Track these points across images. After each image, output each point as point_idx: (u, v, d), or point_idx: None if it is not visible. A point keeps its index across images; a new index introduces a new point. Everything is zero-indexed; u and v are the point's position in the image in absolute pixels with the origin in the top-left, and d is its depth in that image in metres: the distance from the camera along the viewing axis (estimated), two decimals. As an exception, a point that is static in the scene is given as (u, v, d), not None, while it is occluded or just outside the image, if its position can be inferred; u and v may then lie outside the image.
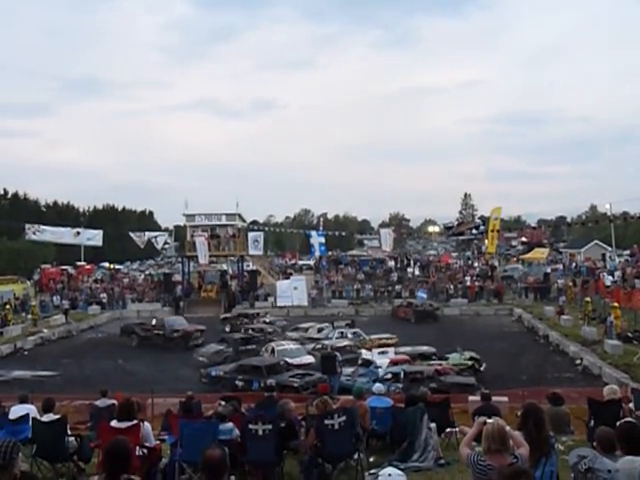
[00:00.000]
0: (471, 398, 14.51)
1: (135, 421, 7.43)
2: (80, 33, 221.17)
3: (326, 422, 8.15)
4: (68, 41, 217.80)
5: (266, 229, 63.56)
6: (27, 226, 51.06)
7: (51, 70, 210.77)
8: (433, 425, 9.36)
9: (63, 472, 8.60)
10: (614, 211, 57.28)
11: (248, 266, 51.77)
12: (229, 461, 4.03)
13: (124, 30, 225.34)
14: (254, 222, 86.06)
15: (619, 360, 21.70)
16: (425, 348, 23.06)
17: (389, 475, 4.59)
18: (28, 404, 10.17)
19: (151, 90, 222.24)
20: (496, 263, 56.32)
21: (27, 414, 9.47)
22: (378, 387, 11.41)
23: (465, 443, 5.12)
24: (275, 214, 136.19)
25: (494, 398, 11.72)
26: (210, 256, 47.39)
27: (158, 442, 8.33)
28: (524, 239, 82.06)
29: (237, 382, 20.20)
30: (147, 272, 67.86)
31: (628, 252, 52.71)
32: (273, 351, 23.76)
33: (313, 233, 51.47)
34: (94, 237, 53.73)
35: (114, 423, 7.47)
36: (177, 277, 51.25)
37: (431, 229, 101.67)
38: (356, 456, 8.16)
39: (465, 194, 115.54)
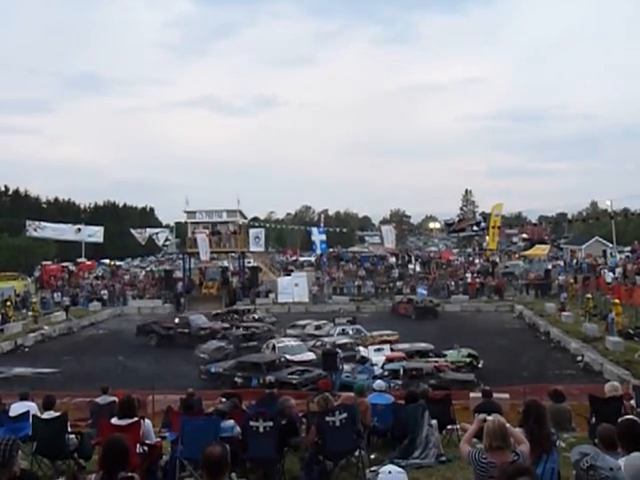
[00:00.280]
0: (472, 395, 14.51)
1: (136, 418, 7.41)
2: (81, 30, 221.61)
3: (327, 419, 8.14)
4: (68, 38, 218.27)
5: (267, 226, 63.55)
6: (28, 223, 51.05)
7: (52, 67, 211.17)
8: (434, 422, 9.35)
9: (63, 470, 8.59)
10: (615, 208, 57.47)
11: (249, 263, 51.80)
12: (230, 458, 4.01)
13: (125, 27, 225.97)
14: (255, 219, 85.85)
15: (620, 357, 21.68)
16: (423, 345, 23.06)
17: (389, 472, 4.57)
18: (28, 401, 10.17)
19: (152, 87, 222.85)
20: (497, 260, 56.30)
21: (27, 411, 9.47)
22: (379, 384, 11.41)
23: (465, 440, 5.11)
24: (276, 211, 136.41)
25: (495, 395, 11.70)
26: (211, 253, 47.34)
27: (159, 439, 8.33)
28: (525, 235, 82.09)
29: (236, 379, 20.25)
30: (148, 269, 67.88)
31: (629, 248, 52.65)
32: (274, 348, 23.77)
33: (314, 230, 51.41)
34: (95, 234, 53.70)
35: (115, 420, 7.45)
36: (178, 274, 51.23)
37: (432, 226, 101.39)
38: (357, 453, 8.14)
39: (466, 190, 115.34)
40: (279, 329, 30.59)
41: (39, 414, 9.27)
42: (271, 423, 8.20)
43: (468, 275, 46.76)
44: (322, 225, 58.19)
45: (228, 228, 48.41)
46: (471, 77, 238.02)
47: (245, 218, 54.06)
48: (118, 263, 72.02)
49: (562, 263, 51.57)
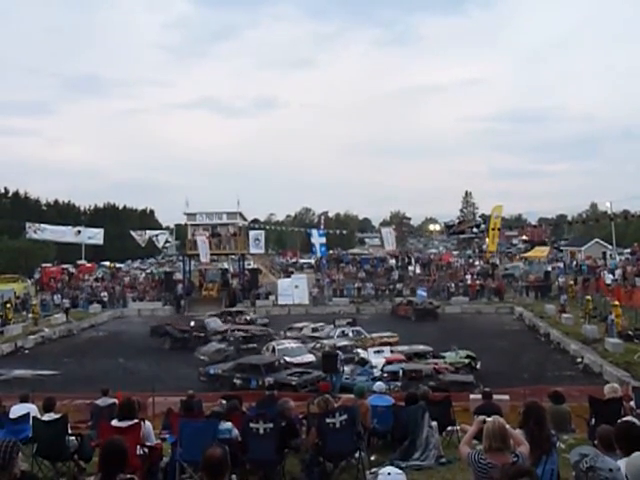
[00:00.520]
0: (472, 396, 14.52)
1: (136, 420, 7.42)
2: (81, 31, 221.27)
3: (327, 421, 8.15)
4: (69, 39, 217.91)
5: (267, 227, 63.53)
6: (28, 225, 51.15)
7: (52, 68, 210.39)
8: (434, 423, 9.35)
9: (64, 471, 8.60)
10: (615, 209, 57.39)
11: (249, 264, 51.81)
12: (230, 460, 4.01)
13: (125, 28, 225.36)
14: (255, 220, 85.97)
15: (620, 358, 21.67)
16: (421, 347, 23.03)
17: (388, 474, 4.56)
18: (29, 403, 10.16)
19: (152, 88, 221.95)
20: (497, 261, 56.34)
21: (28, 413, 9.46)
22: (379, 386, 11.41)
23: (465, 442, 5.12)
24: (276, 212, 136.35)
25: (495, 396, 11.71)
26: (211, 255, 47.38)
27: (159, 441, 8.33)
28: (525, 237, 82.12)
29: (235, 380, 20.26)
30: (148, 271, 67.87)
31: (629, 250, 52.69)
32: (274, 350, 23.76)
33: (314, 232, 51.42)
34: (95, 236, 53.82)
35: (115, 422, 7.46)
36: (178, 276, 51.23)
37: (432, 227, 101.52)
38: (357, 455, 8.14)
39: (466, 192, 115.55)
40: (277, 331, 30.52)
41: (39, 416, 9.27)
42: (271, 425, 8.20)
43: (468, 277, 46.77)
44: (322, 227, 58.17)
45: (228, 230, 48.45)
46: (471, 78, 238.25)
47: (245, 220, 54.09)
48: (118, 265, 72.04)
49: (562, 265, 51.62)
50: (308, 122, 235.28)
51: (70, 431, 8.93)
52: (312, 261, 62.62)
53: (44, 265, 58.46)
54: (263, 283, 48.51)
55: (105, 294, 46.79)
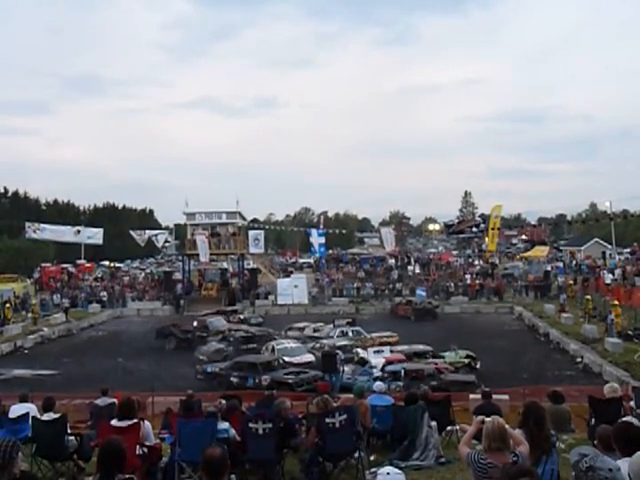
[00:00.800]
0: (472, 396, 14.51)
1: (135, 420, 7.41)
2: (80, 31, 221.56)
3: (327, 420, 8.14)
4: (68, 39, 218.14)
5: (266, 227, 63.57)
6: (27, 224, 51.10)
7: (51, 68, 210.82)
8: (434, 423, 9.35)
9: (63, 471, 8.60)
10: (614, 209, 57.45)
11: (248, 264, 51.80)
12: (229, 460, 4.01)
13: (124, 28, 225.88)
14: (254, 220, 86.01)
15: (619, 358, 21.68)
16: (421, 347, 23.05)
17: (387, 474, 4.56)
18: (28, 403, 10.16)
19: (152, 88, 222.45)
20: (496, 261, 56.35)
21: (27, 413, 9.47)
22: (379, 385, 11.40)
23: (464, 442, 5.11)
24: (275, 212, 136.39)
25: (495, 396, 11.71)
26: (210, 254, 47.38)
27: (158, 441, 8.33)
28: (524, 237, 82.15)
29: (232, 379, 20.35)
30: (147, 270, 67.91)
31: (628, 250, 52.72)
32: (273, 350, 23.76)
33: (313, 232, 51.42)
34: (94, 235, 53.79)
35: (114, 422, 7.45)
36: (177, 275, 51.23)
37: (431, 227, 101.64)
38: (357, 454, 8.14)
39: (465, 192, 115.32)
40: (277, 331, 30.50)
41: (39, 416, 9.27)
42: (270, 425, 8.20)
43: (467, 276, 46.78)
44: (322, 227, 58.19)
45: (227, 230, 48.45)
46: (471, 78, 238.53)
47: (244, 220, 54.10)
48: (117, 265, 72.07)
49: (561, 264, 51.61)
50: (308, 122, 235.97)
51: (69, 431, 8.94)
52: (311, 261, 62.63)
53: (43, 265, 58.43)
54: (262, 283, 48.51)
55: (104, 294, 46.77)
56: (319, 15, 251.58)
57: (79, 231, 53.34)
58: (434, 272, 50.63)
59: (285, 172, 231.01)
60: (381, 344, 24.38)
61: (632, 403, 10.09)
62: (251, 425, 8.24)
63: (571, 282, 40.03)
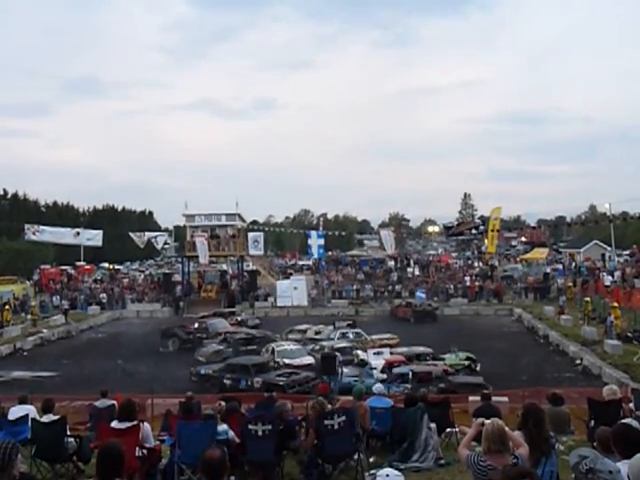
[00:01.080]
0: (471, 398, 14.49)
1: (135, 422, 7.41)
2: (80, 33, 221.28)
3: (326, 422, 8.15)
4: (68, 41, 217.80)
5: (266, 229, 63.53)
6: (27, 226, 51.09)
7: (51, 70, 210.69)
8: (433, 425, 9.36)
9: (62, 473, 8.61)
10: (614, 211, 57.41)
11: (248, 266, 51.77)
12: (229, 462, 4.01)
13: (124, 30, 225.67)
14: (254, 222, 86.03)
15: (619, 360, 21.69)
16: (421, 348, 23.04)
17: (387, 475, 4.58)
18: (27, 405, 10.15)
19: (151, 90, 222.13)
20: (496, 263, 56.35)
21: (26, 415, 9.47)
22: (378, 387, 11.38)
23: (464, 444, 5.11)
24: (275, 214, 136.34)
25: (494, 398, 11.73)
26: (210, 256, 47.39)
27: (158, 443, 8.33)
28: (523, 239, 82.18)
29: (225, 381, 20.43)
30: (147, 272, 67.81)
31: (628, 252, 52.73)
32: (273, 352, 23.76)
33: (312, 234, 51.40)
34: (94, 237, 53.80)
35: (114, 424, 7.45)
36: (177, 277, 51.21)
37: (431, 229, 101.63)
38: (356, 456, 8.15)
39: (465, 194, 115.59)
40: (276, 333, 30.48)
41: (38, 417, 9.27)
42: (270, 426, 8.21)
43: (467, 278, 46.76)
44: (321, 229, 58.23)
45: (227, 232, 48.45)
46: (470, 80, 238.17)
47: (244, 222, 54.11)
48: (117, 267, 72.00)
49: (561, 266, 51.65)
50: (307, 124, 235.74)
51: (69, 432, 8.94)
52: (310, 262, 62.55)
53: (43, 266, 58.41)
54: (262, 285, 48.47)
55: (104, 295, 46.73)
56: (318, 17, 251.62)
57: (78, 233, 53.34)
58: (433, 274, 50.63)
59: (284, 174, 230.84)
60: (381, 346, 24.35)
61: (631, 405, 10.10)
62: (251, 427, 8.24)
63: (570, 284, 40.05)
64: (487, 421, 4.79)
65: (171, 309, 44.10)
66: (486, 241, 46.54)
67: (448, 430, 10.20)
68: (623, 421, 6.02)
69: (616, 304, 27.06)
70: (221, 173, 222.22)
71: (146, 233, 55.67)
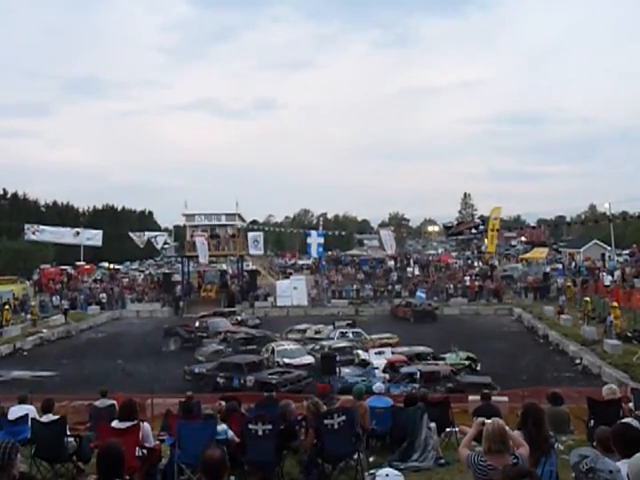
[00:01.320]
0: (471, 398, 14.50)
1: (135, 422, 7.41)
2: (80, 33, 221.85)
3: (326, 422, 8.15)
4: (68, 41, 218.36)
5: (266, 229, 63.55)
6: (26, 226, 51.05)
7: (51, 70, 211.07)
8: (433, 425, 9.35)
9: (62, 473, 8.60)
10: (613, 211, 57.38)
11: (248, 266, 51.76)
12: (229, 461, 4.01)
13: (124, 30, 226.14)
14: (254, 222, 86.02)
15: (619, 360, 21.69)
16: (422, 348, 23.03)
17: (386, 475, 4.58)
18: (27, 404, 10.14)
19: (151, 90, 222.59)
20: (496, 263, 56.34)
21: (26, 414, 9.46)
22: (378, 387, 11.34)
23: (464, 444, 5.11)
24: (275, 214, 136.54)
25: (494, 398, 11.72)
26: (210, 256, 47.38)
27: (158, 443, 8.32)
28: (523, 238, 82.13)
29: (218, 379, 20.55)
30: (147, 272, 67.81)
31: (627, 252, 52.76)
32: (273, 351, 23.76)
33: (312, 233, 51.39)
34: (94, 237, 53.75)
35: (115, 423, 7.45)
36: (177, 277, 51.22)
37: (431, 229, 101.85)
38: (356, 456, 8.15)
39: (465, 194, 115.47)
40: (276, 333, 30.49)
41: (38, 417, 9.26)
42: (270, 426, 8.20)
43: (467, 278, 46.77)
44: (321, 228, 58.17)
45: (227, 231, 48.43)
46: (470, 80, 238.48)
47: (244, 221, 54.08)
48: (117, 266, 72.05)
49: (561, 266, 51.65)
50: (307, 123, 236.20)
51: (69, 432, 8.93)
52: (310, 262, 62.50)
53: (43, 266, 58.44)
54: (262, 284, 48.46)
55: (104, 295, 46.72)
56: (318, 17, 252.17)
57: (78, 233, 53.29)
58: (433, 274, 50.62)
59: (284, 174, 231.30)
60: (381, 345, 24.37)
61: (631, 405, 10.09)
62: (251, 426, 8.23)
63: (570, 284, 40.04)
64: (488, 421, 4.79)
65: (171, 309, 44.10)
66: (486, 241, 46.54)
67: (448, 430, 10.19)
68: (623, 421, 6.02)
69: (616, 304, 27.07)
70: (221, 173, 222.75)
71: (146, 233, 55.60)
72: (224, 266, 57.23)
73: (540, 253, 57.33)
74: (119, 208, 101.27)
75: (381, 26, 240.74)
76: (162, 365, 25.79)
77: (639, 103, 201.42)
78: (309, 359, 23.07)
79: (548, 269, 48.74)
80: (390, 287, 46.78)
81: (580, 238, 69.13)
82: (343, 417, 8.19)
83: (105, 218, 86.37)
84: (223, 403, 10.30)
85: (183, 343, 30.16)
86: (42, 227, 52.16)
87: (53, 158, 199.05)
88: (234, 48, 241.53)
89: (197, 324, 32.10)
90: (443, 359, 21.76)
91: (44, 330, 34.69)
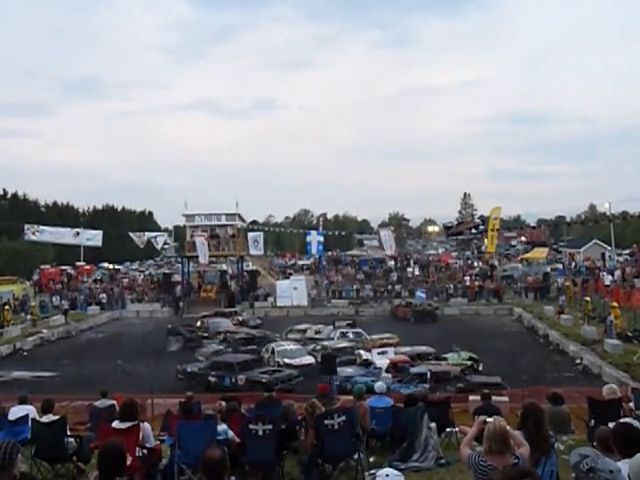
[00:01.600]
0: (471, 398, 14.50)
1: (135, 422, 7.41)
2: (80, 33, 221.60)
3: (326, 422, 8.14)
4: (68, 41, 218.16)
5: (266, 229, 63.57)
6: (26, 226, 51.05)
7: (51, 70, 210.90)
8: (433, 425, 9.35)
9: (63, 473, 8.60)
10: (613, 210, 57.39)
11: (248, 266, 51.76)
12: (229, 461, 4.00)
13: (123, 30, 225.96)
14: (254, 222, 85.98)
15: (619, 359, 21.68)
16: (424, 348, 23.04)
17: (387, 475, 4.57)
18: (27, 405, 10.15)
19: (151, 90, 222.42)
20: (496, 263, 56.33)
21: (27, 415, 9.46)
22: (380, 386, 11.26)
23: (466, 443, 5.10)
24: (275, 214, 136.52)
25: (494, 398, 11.71)
26: (210, 256, 47.37)
27: (158, 443, 8.32)
28: (523, 238, 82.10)
29: (210, 378, 20.72)
30: (147, 272, 67.82)
31: (628, 251, 52.73)
32: (273, 351, 23.77)
33: (312, 233, 51.41)
34: (94, 237, 53.75)
35: (115, 423, 7.45)
36: (177, 277, 51.23)
37: (431, 229, 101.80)
38: (356, 456, 8.15)
39: (465, 194, 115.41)
40: (277, 333, 30.51)
41: (38, 418, 9.26)
42: (270, 426, 8.20)
43: (467, 278, 46.76)
44: (321, 228, 58.20)
45: (227, 231, 48.42)
46: (470, 80, 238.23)
47: (244, 221, 54.08)
48: (117, 267, 72.03)
49: (561, 266, 51.65)
50: (307, 123, 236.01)
51: (69, 433, 8.93)
52: (310, 262, 62.46)
53: (43, 267, 58.43)
54: (262, 285, 48.47)
55: (104, 296, 46.73)
56: (318, 17, 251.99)
57: (78, 233, 53.29)
58: (433, 274, 50.62)
59: (284, 174, 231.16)
60: (381, 346, 24.36)
61: (631, 404, 10.09)
62: (251, 427, 8.23)
63: (568, 284, 40.02)
64: (489, 419, 4.77)
65: (171, 309, 44.11)
66: (486, 241, 46.55)
67: (448, 430, 10.18)
68: (623, 420, 6.02)
69: (616, 303, 27.06)
70: (221, 173, 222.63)
71: (146, 233, 55.59)
72: (224, 266, 57.23)
73: (540, 253, 57.32)
74: (119, 208, 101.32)
75: (381, 26, 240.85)
76: (162, 365, 25.77)
77: (639, 103, 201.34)
78: (309, 359, 23.09)
79: (548, 269, 48.73)
80: (390, 287, 46.78)
81: (580, 238, 69.09)
82: (343, 417, 8.19)
83: (105, 218, 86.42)
84: (223, 403, 10.29)
85: (185, 343, 30.20)
86: (42, 227, 52.15)
87: (53, 158, 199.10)
88: (234, 48, 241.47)
89: (198, 324, 32.13)
90: (445, 359, 21.74)
91: (44, 330, 34.69)
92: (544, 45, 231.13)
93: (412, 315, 37.25)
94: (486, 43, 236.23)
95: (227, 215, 48.43)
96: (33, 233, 50.93)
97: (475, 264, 55.94)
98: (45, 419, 9.01)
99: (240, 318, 35.20)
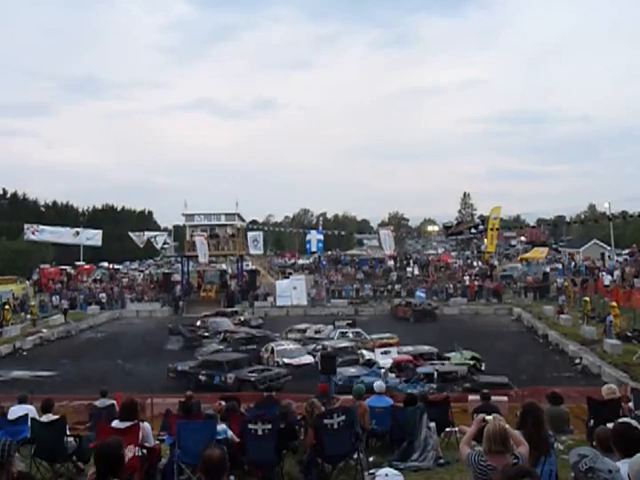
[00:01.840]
0: (471, 397, 14.50)
1: (134, 421, 7.41)
2: (79, 33, 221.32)
3: (325, 422, 8.14)
4: (67, 41, 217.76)
5: (265, 229, 63.62)
6: (26, 226, 51.09)
7: (50, 70, 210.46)
8: (433, 425, 9.35)
9: (62, 472, 8.59)
10: (613, 210, 57.32)
11: (247, 266, 51.78)
12: (229, 461, 4.00)
13: (123, 30, 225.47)
14: (253, 222, 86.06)
15: (618, 359, 21.71)
16: (427, 348, 23.03)
17: (386, 475, 4.57)
18: (27, 404, 10.14)
19: (150, 90, 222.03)
20: (495, 262, 56.36)
21: (26, 414, 9.45)
22: (379, 385, 11.24)
23: (465, 442, 5.09)
24: (274, 214, 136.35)
25: (493, 397, 11.70)
26: (209, 256, 47.37)
27: (157, 442, 8.32)
28: (523, 238, 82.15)
29: (200, 377, 20.91)
30: (146, 272, 67.85)
31: (627, 251, 52.70)
32: (273, 351, 23.77)
33: (312, 231, 51.42)
34: (93, 237, 53.78)
35: (115, 423, 7.45)
36: (176, 277, 51.26)
37: (430, 229, 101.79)
38: (355, 456, 8.14)
39: (464, 193, 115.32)
40: (276, 332, 30.53)
41: (38, 417, 9.26)
42: (270, 426, 8.20)
43: (466, 278, 46.81)
44: (320, 228, 58.22)
45: (226, 231, 48.44)
46: (470, 80, 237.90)
47: (243, 221, 54.10)
48: (116, 266, 72.03)
49: (560, 266, 51.63)
50: (307, 123, 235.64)
51: (68, 432, 8.93)
52: (309, 262, 62.47)
53: (42, 266, 58.39)
54: (261, 284, 48.51)
55: (103, 295, 46.74)
56: (318, 17, 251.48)
57: (78, 232, 53.33)
58: (433, 273, 50.66)
59: (284, 173, 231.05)
60: (381, 346, 24.35)
61: (631, 404, 10.09)
62: (250, 426, 8.23)
63: (567, 284, 40.00)
64: (489, 417, 4.77)
65: (170, 309, 44.11)
66: (485, 240, 46.53)
67: (447, 429, 10.19)
68: (623, 420, 6.03)
69: (615, 303, 27.06)
70: (221, 173, 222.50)
71: (145, 233, 55.64)
72: (224, 266, 57.23)
73: (540, 253, 57.33)
74: (119, 208, 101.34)
75: (381, 26, 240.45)
76: (162, 365, 25.75)
77: (639, 103, 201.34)
78: (309, 359, 23.10)
79: (548, 269, 48.75)
80: (390, 287, 46.81)
81: (580, 238, 69.18)
82: (343, 417, 8.18)
83: (105, 218, 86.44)
84: (223, 403, 10.29)
85: (186, 342, 30.23)
86: (42, 227, 52.21)
87: (53, 158, 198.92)
88: (234, 48, 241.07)
89: (199, 324, 32.14)
90: (448, 359, 21.74)
91: (44, 330, 34.70)
92: (544, 45, 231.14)
93: (412, 315, 37.26)
94: (486, 43, 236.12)
95: (227, 215, 48.44)
96: (33, 233, 50.98)
97: (475, 264, 55.98)
98: (45, 419, 9.01)
99: (241, 318, 35.21)
